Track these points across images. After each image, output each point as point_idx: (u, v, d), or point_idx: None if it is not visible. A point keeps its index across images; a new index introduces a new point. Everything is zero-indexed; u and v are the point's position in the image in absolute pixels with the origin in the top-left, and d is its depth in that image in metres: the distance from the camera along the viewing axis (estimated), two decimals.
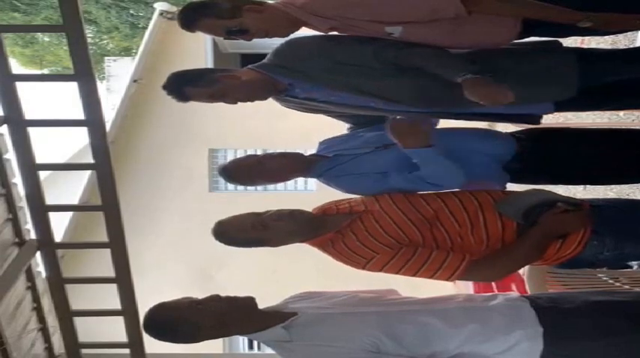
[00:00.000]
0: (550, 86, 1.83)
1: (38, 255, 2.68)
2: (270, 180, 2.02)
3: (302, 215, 1.76)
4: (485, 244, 1.69)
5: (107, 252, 2.66)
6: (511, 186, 1.95)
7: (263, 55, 1.94)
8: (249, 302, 1.67)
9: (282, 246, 1.79)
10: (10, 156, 2.49)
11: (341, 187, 1.97)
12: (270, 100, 2.00)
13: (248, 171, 1.94)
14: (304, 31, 1.88)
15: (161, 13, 7.65)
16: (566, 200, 1.70)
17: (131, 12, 13.89)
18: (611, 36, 3.99)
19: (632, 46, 3.68)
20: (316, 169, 1.97)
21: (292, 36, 1.89)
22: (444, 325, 1.60)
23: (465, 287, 3.21)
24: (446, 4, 1.70)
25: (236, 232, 1.75)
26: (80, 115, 2.39)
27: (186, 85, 1.83)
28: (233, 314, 1.64)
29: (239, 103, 1.92)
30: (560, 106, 1.92)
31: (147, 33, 7.68)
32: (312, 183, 7.72)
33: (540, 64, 1.82)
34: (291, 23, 1.82)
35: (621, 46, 4.00)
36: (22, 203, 2.59)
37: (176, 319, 1.62)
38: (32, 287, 2.75)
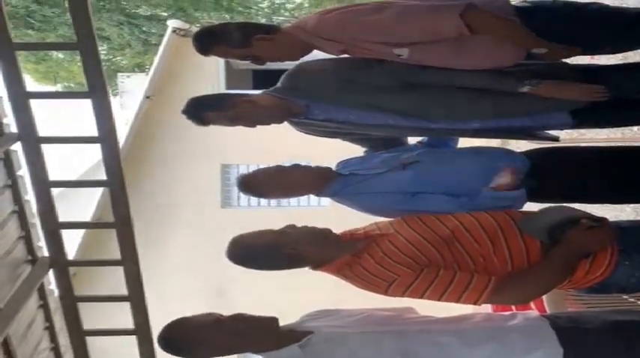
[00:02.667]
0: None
1: (50, 272, 2.66)
2: (285, 194, 2.00)
3: (319, 228, 1.74)
4: (510, 265, 1.64)
5: (119, 269, 2.63)
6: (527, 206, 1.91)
7: (275, 71, 1.96)
8: (271, 323, 1.63)
9: (297, 259, 1.71)
10: (23, 172, 2.48)
11: (357, 206, 1.95)
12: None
13: (267, 180, 1.92)
14: (316, 54, 1.89)
15: (174, 30, 7.73)
16: (589, 216, 1.66)
17: (143, 29, 14.03)
18: (619, 57, 3.98)
19: None
20: (331, 188, 1.94)
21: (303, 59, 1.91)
22: (462, 345, 1.56)
23: (483, 306, 3.13)
24: (447, 22, 1.70)
25: (252, 239, 1.72)
26: (93, 132, 2.39)
27: (205, 110, 1.88)
28: (251, 335, 1.62)
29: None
30: (577, 122, 1.91)
31: (160, 49, 7.76)
32: (325, 199, 7.68)
33: (550, 75, 1.82)
34: (302, 47, 1.86)
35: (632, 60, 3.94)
36: (35, 220, 2.58)
37: (194, 338, 1.60)
38: (44, 306, 2.72)
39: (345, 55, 1.86)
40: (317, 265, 1.74)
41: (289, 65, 1.95)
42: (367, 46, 1.77)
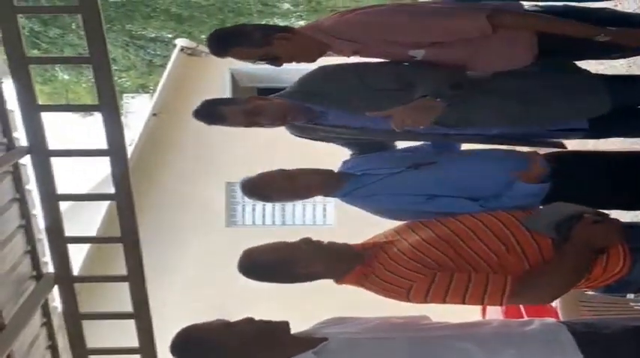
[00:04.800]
0: (584, 99, 1.82)
1: (54, 289, 2.61)
2: (291, 197, 1.97)
3: (336, 245, 1.73)
4: (527, 263, 1.65)
5: (121, 289, 2.59)
6: None
7: (280, 89, 1.96)
8: (282, 326, 1.61)
9: (311, 276, 1.70)
10: (31, 187, 2.46)
11: (369, 207, 1.94)
12: (289, 133, 2.03)
13: (271, 183, 1.89)
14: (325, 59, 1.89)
15: (181, 49, 7.79)
16: (592, 211, 1.66)
17: (148, 50, 14.18)
18: (625, 66, 3.99)
19: None
20: (343, 189, 1.92)
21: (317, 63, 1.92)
22: (480, 351, 1.53)
23: (495, 314, 3.13)
24: (472, 22, 1.71)
25: (265, 254, 1.70)
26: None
27: (219, 104, 1.89)
28: (263, 339, 1.58)
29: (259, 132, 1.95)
30: (593, 131, 1.90)
31: (167, 68, 7.83)
32: (331, 217, 7.66)
33: (572, 79, 1.85)
34: (318, 48, 1.86)
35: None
36: (41, 235, 2.55)
37: (205, 341, 1.58)
38: (48, 324, 2.67)
39: (356, 58, 1.87)
40: (336, 279, 1.74)
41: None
42: (382, 46, 1.78)
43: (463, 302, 1.60)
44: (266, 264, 1.69)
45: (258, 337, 1.58)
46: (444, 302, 1.61)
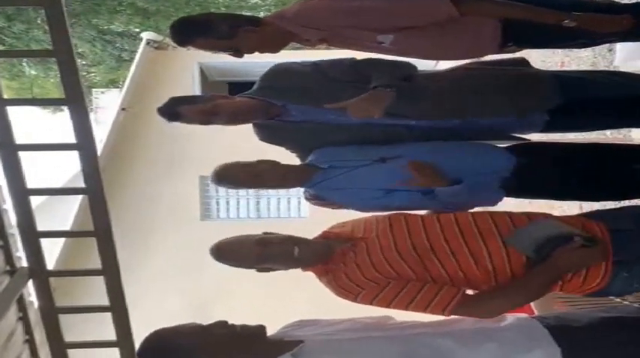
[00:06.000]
0: (534, 93, 1.85)
1: (30, 285, 2.61)
2: (260, 187, 2.00)
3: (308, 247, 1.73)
4: (493, 278, 1.63)
5: (97, 287, 2.58)
6: (506, 201, 1.92)
7: (251, 83, 1.97)
8: (258, 331, 1.60)
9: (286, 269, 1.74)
10: (1, 182, 2.44)
11: (335, 200, 1.95)
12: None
13: (237, 175, 1.92)
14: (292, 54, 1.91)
15: (148, 42, 7.71)
16: (582, 234, 1.61)
17: (116, 45, 13.96)
18: (591, 57, 4.07)
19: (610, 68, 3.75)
20: (309, 180, 1.93)
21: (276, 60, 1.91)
22: (459, 346, 1.55)
23: None
24: (438, 5, 1.73)
25: (234, 253, 1.72)
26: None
27: (181, 104, 1.87)
28: (238, 343, 1.56)
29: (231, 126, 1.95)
30: (549, 126, 1.92)
31: (134, 62, 7.73)
32: (305, 209, 7.67)
33: (521, 75, 1.88)
34: (283, 37, 1.85)
35: (601, 68, 4.05)
36: (13, 230, 2.53)
37: (177, 346, 1.54)
38: (24, 318, 2.66)
39: (323, 46, 1.88)
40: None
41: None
42: (350, 32, 1.78)
43: (406, 309, 1.60)
44: (236, 263, 1.72)
45: (233, 341, 1.56)
46: (388, 307, 1.63)
